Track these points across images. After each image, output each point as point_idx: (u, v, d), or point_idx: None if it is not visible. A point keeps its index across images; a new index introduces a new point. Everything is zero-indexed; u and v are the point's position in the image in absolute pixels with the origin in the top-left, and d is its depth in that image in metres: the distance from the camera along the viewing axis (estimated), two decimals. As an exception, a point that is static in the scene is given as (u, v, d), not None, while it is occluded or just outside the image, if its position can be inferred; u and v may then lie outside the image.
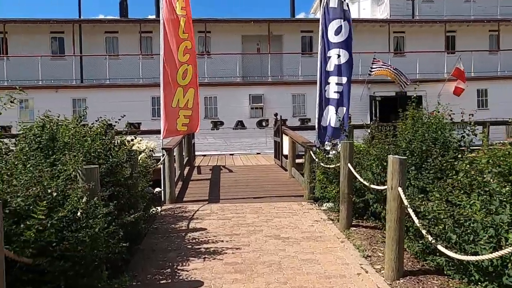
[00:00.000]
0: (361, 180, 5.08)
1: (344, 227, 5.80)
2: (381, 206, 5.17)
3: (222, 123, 17.39)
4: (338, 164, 6.09)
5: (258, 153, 16.43)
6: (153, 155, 10.15)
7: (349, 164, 5.67)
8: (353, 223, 5.94)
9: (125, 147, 5.31)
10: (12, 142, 4.54)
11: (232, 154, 16.12)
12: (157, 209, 7.00)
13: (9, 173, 2.99)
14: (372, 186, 4.85)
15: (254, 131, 17.39)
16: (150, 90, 16.21)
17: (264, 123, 17.44)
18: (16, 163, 3.25)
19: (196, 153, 13.97)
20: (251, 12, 72.42)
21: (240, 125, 17.45)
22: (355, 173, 5.39)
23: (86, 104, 15.70)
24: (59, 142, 4.54)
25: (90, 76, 17.66)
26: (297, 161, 9.95)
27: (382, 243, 5.13)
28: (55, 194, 2.85)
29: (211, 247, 5.08)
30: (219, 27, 18.72)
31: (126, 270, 4.33)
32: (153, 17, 19.87)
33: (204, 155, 15.04)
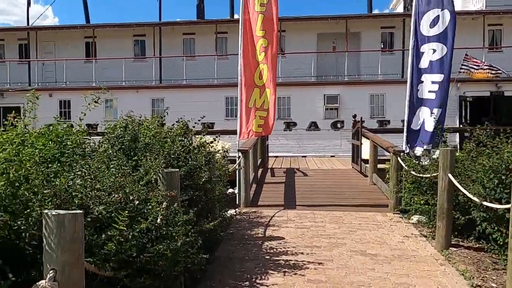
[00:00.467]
0: (469, 195, 4.34)
1: (442, 246, 5.06)
2: (493, 227, 4.38)
3: (295, 124, 16.93)
4: (435, 174, 5.35)
5: (332, 156, 15.74)
6: (228, 155, 10.02)
7: (450, 175, 4.93)
8: (452, 242, 5.18)
9: (203, 149, 5.13)
10: (96, 140, 4.55)
11: (305, 156, 15.61)
12: (232, 212, 6.79)
13: (92, 176, 2.86)
14: (485, 203, 4.10)
15: (328, 132, 16.67)
16: (225, 90, 16.31)
17: (339, 125, 16.64)
18: (98, 166, 3.14)
19: (269, 154, 13.71)
20: (323, 10, 70.80)
21: (313, 126, 16.84)
22: (459, 186, 4.65)
23: (164, 103, 16.24)
24: (140, 143, 4.46)
25: (168, 76, 18.29)
26: (378, 166, 9.21)
27: (494, 270, 4.36)
28: (137, 202, 2.66)
29: (291, 260, 4.69)
30: (294, 26, 18.28)
31: (203, 280, 4.11)
32: (228, 17, 20.06)
33: (276, 157, 14.72)
